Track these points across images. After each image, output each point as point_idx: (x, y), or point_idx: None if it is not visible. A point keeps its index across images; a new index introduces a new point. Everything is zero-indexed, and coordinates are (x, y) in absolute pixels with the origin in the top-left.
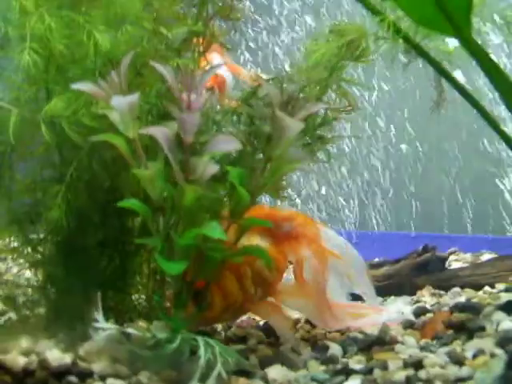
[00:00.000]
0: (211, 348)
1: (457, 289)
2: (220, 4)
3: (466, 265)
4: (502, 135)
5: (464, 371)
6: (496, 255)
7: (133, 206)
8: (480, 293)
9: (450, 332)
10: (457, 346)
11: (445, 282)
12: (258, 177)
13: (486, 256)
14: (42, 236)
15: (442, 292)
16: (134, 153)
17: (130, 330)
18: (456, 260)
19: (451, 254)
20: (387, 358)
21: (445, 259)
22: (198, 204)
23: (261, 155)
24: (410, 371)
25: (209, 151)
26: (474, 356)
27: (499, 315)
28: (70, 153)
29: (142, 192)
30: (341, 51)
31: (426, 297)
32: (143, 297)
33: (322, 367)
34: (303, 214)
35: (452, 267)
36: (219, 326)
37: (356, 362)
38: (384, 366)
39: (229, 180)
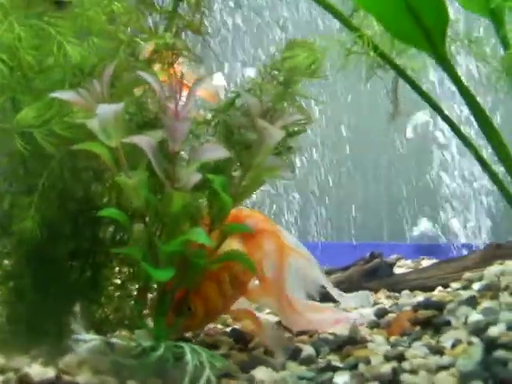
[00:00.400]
0: (197, 354)
1: (407, 291)
2: (188, 18)
3: (409, 270)
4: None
5: (445, 360)
6: (435, 261)
7: (112, 215)
8: (435, 292)
9: (418, 328)
10: (425, 340)
11: (394, 285)
12: (237, 185)
13: (426, 262)
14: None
15: (396, 294)
16: (117, 162)
17: (114, 340)
18: (399, 266)
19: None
20: (365, 354)
21: (392, 264)
22: (184, 211)
23: (237, 164)
24: (394, 363)
25: (196, 159)
26: (453, 345)
27: (464, 309)
28: (39, 163)
29: (114, 201)
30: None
31: (383, 299)
32: (116, 307)
33: (302, 367)
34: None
35: (397, 272)
36: (187, 334)
37: (334, 361)
38: (367, 361)
39: (210, 187)
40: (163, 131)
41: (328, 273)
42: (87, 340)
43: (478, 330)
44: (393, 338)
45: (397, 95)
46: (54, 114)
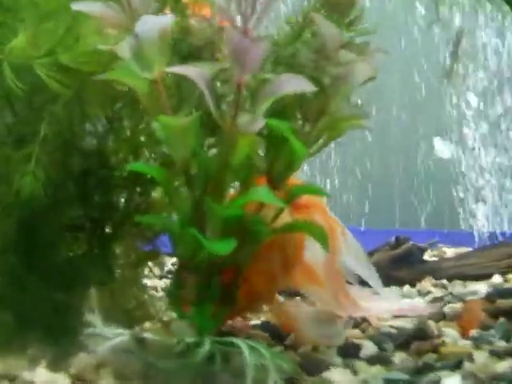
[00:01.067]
0: (257, 352)
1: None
2: None
3: (433, 258)
4: None
5: None
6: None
7: (146, 171)
8: (493, 280)
9: (501, 320)
10: None
11: (428, 274)
12: (306, 135)
13: (449, 251)
14: None
15: (444, 282)
16: (157, 99)
17: (146, 335)
18: None
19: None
20: (459, 350)
21: (424, 250)
22: (248, 163)
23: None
24: (509, 361)
25: (272, 93)
26: None
27: None
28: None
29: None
30: None
31: (430, 288)
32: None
33: (375, 367)
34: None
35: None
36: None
37: (404, 359)
38: (470, 358)
39: (272, 135)
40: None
41: None
42: (108, 335)
43: None
44: (473, 332)
45: (458, 51)
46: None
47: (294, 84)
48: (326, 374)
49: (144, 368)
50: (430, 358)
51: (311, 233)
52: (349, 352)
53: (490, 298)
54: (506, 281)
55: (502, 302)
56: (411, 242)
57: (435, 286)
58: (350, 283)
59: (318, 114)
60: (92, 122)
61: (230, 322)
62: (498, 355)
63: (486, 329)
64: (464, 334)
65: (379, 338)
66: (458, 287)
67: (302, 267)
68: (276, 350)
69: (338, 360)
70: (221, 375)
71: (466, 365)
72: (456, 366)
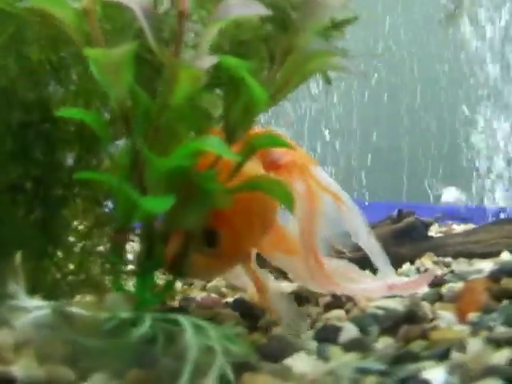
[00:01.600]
0: (202, 332)
1: (461, 258)
2: None
3: (439, 234)
4: None
5: None
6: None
7: (78, 116)
8: (502, 257)
9: (505, 302)
10: None
11: (433, 251)
12: (272, 77)
13: (458, 228)
14: None
15: (447, 260)
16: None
17: (72, 309)
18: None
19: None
20: (450, 336)
21: (429, 225)
22: (191, 107)
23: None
24: (508, 350)
25: (219, 18)
26: None
27: None
28: None
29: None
30: None
31: (429, 265)
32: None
33: (351, 354)
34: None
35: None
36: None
37: (389, 345)
38: (461, 347)
39: (229, 78)
40: None
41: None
42: (30, 308)
43: None
44: (472, 315)
45: None
46: None
47: (243, 8)
48: (289, 361)
49: (69, 347)
50: (419, 345)
51: (273, 193)
52: (327, 336)
53: (494, 277)
54: None
55: (508, 282)
56: (415, 216)
57: (436, 263)
58: (343, 255)
59: (285, 52)
60: (33, 69)
61: (198, 298)
62: (496, 343)
63: (488, 312)
64: (462, 318)
65: (363, 321)
66: (461, 265)
67: (275, 231)
68: (229, 331)
69: (312, 344)
70: (161, 358)
71: (456, 354)
72: (444, 355)
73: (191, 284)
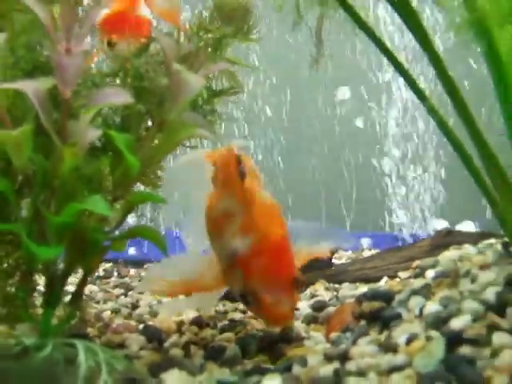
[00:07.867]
0: (93, 354)
1: (348, 283)
2: None
3: (349, 261)
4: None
5: (399, 359)
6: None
7: None
8: (381, 283)
9: (363, 323)
10: (373, 336)
11: (334, 277)
12: (148, 145)
13: (369, 253)
14: None
15: (337, 286)
16: None
17: None
18: (336, 258)
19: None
20: (300, 353)
21: (332, 254)
22: (78, 174)
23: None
24: (336, 364)
25: (94, 105)
26: (408, 342)
27: (417, 300)
28: None
29: None
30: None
31: (321, 291)
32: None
33: (225, 369)
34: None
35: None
36: (91, 332)
37: (264, 362)
38: (303, 362)
39: (113, 147)
40: (54, 75)
41: None
42: None
43: (438, 323)
44: (333, 335)
45: (321, 37)
46: None
47: (113, 96)
48: (165, 376)
49: None
50: (285, 360)
51: (148, 237)
52: (214, 355)
53: (359, 300)
54: (385, 283)
55: (367, 305)
56: None
57: (327, 289)
58: None
59: (160, 124)
60: None
61: (113, 325)
62: (330, 359)
63: (346, 332)
64: (327, 337)
65: (245, 341)
66: (345, 290)
67: None
68: (113, 352)
69: (199, 361)
70: (64, 377)
71: (296, 368)
72: (287, 368)
73: (117, 312)
